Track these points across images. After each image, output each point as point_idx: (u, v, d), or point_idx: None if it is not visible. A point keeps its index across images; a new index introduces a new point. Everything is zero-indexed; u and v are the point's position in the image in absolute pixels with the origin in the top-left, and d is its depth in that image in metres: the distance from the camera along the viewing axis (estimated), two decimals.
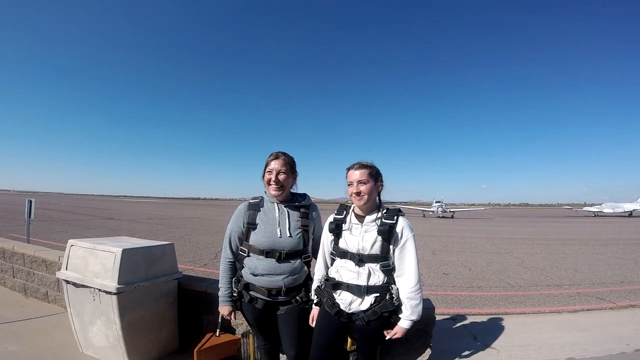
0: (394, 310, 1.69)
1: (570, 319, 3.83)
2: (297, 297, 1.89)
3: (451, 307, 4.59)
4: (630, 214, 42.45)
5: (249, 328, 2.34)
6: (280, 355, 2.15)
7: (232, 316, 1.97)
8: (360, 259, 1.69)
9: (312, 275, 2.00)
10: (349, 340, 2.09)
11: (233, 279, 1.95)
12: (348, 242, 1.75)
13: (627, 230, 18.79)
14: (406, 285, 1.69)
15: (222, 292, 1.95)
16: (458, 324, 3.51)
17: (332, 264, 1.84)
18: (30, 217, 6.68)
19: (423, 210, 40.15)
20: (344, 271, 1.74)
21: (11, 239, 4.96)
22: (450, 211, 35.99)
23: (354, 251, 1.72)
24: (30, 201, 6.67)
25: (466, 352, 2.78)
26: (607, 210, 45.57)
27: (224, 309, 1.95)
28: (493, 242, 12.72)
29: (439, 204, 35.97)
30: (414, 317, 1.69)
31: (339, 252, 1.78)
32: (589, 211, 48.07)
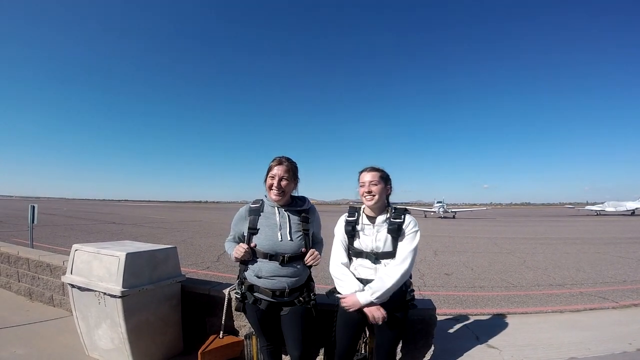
0: (410, 300, 1.84)
1: (573, 319, 3.83)
2: (300, 298, 1.93)
3: (453, 307, 4.60)
4: (632, 213, 42.22)
5: (252, 330, 2.36)
6: (283, 356, 2.18)
7: (246, 250, 1.87)
8: (376, 257, 1.84)
9: (312, 277, 2.05)
10: (369, 336, 2.12)
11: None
12: (362, 242, 1.89)
13: (629, 229, 18.71)
14: (391, 262, 1.79)
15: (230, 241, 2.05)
16: (460, 324, 3.52)
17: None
18: (33, 222, 6.74)
19: (425, 211, 40.09)
20: (362, 269, 1.87)
21: (15, 244, 5.00)
22: (451, 211, 35.88)
23: (369, 250, 1.86)
24: (33, 206, 6.74)
25: (468, 352, 2.79)
26: (609, 209, 45.31)
27: (238, 250, 1.88)
28: (495, 242, 12.70)
29: (440, 204, 35.92)
30: (370, 297, 1.71)
31: (354, 252, 1.91)
32: (591, 210, 47.83)
